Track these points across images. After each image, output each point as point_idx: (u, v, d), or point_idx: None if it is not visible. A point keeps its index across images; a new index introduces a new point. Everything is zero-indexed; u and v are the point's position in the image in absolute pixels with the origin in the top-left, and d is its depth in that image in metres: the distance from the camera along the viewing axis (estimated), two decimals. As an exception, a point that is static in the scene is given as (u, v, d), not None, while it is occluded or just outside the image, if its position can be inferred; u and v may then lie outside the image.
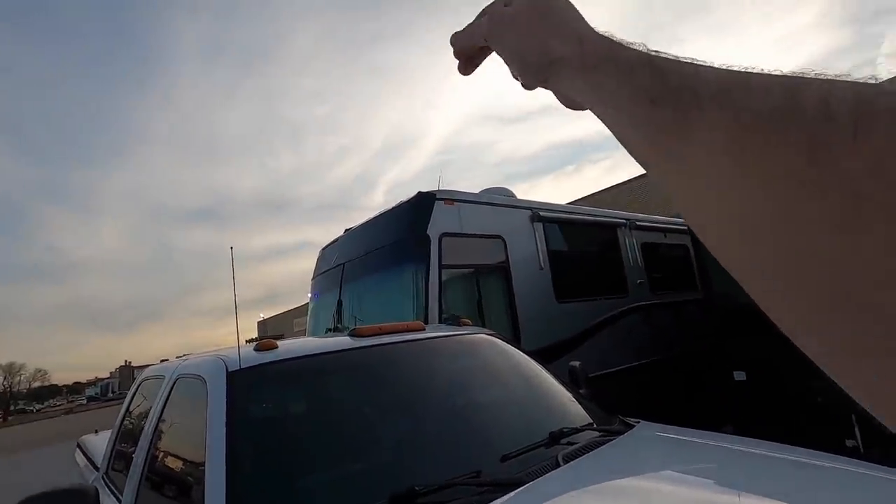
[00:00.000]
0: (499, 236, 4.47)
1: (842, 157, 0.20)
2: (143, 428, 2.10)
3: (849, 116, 0.21)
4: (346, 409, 1.61)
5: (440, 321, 3.45)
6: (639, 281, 5.58)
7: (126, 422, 2.50)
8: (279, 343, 1.79)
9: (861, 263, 0.20)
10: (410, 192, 4.42)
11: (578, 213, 5.54)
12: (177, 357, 2.50)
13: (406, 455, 1.50)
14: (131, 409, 2.54)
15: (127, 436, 2.44)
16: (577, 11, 0.39)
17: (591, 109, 0.35)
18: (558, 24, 0.38)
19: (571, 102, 0.39)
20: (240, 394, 1.50)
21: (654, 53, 0.32)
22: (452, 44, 0.47)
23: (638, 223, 6.09)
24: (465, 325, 2.41)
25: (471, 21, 0.45)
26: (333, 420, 1.57)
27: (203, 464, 1.37)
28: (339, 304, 4.71)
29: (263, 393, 1.60)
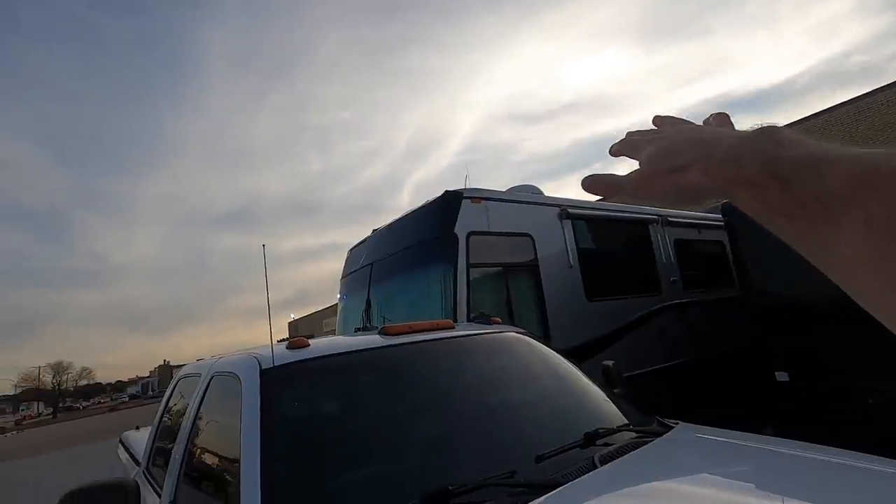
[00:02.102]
0: (527, 234, 4.42)
1: None
2: (180, 424, 2.15)
3: None
4: (377, 407, 1.61)
5: (469, 320, 3.43)
6: (672, 278, 5.43)
7: (165, 419, 2.57)
8: (311, 342, 1.81)
9: None
10: (436, 193, 4.42)
11: (608, 210, 5.42)
12: (212, 356, 2.55)
13: (439, 454, 1.49)
14: (169, 406, 2.61)
15: (166, 432, 2.51)
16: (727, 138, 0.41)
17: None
18: (712, 148, 0.40)
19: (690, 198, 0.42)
20: (273, 391, 1.52)
21: (775, 153, 0.35)
22: (589, 189, 0.47)
23: (670, 219, 5.92)
24: (496, 323, 2.39)
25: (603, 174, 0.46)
26: (365, 418, 1.57)
27: (238, 460, 1.39)
28: (368, 303, 4.74)
29: (295, 390, 1.61)
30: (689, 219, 6.30)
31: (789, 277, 3.69)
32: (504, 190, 4.88)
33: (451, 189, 4.35)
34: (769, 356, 3.92)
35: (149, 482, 2.30)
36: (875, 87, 12.65)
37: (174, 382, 2.67)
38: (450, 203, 4.22)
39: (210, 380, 1.99)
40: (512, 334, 2.21)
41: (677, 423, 1.82)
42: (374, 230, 5.41)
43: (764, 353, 4.00)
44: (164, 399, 2.69)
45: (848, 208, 0.30)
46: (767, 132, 0.37)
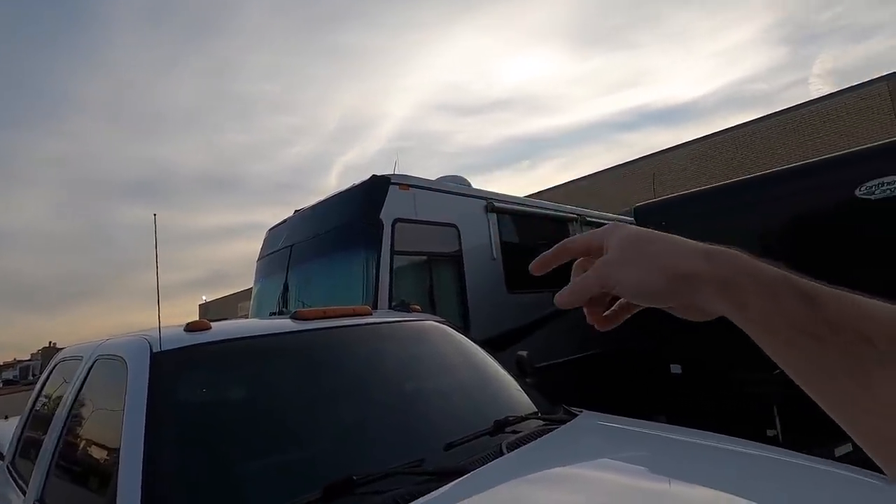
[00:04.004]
0: (453, 224, 4.43)
1: None
2: (55, 413, 1.91)
3: None
4: (283, 395, 1.52)
5: (390, 308, 3.38)
6: (587, 275, 5.72)
7: (37, 407, 2.28)
8: (213, 324, 1.67)
9: None
10: (366, 177, 4.30)
11: (532, 206, 5.60)
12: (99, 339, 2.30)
13: (346, 444, 1.43)
14: (44, 392, 2.32)
15: (38, 422, 2.22)
16: (679, 237, 0.40)
17: (736, 323, 0.35)
18: (674, 245, 0.39)
19: (698, 312, 0.39)
20: (164, 377, 1.38)
21: (788, 272, 0.33)
22: (563, 306, 0.46)
23: (588, 218, 6.23)
24: (415, 311, 2.36)
25: (573, 281, 0.45)
26: (269, 407, 1.47)
27: (119, 452, 1.25)
28: (286, 287, 4.53)
29: (191, 376, 1.47)
30: (605, 220, 6.67)
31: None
32: (433, 179, 4.86)
33: (378, 174, 4.26)
34: (666, 350, 4.26)
35: (13, 479, 2.03)
36: (767, 113, 14.16)
37: (50, 367, 2.37)
38: (376, 188, 4.12)
39: (93, 364, 1.79)
40: (430, 323, 2.19)
41: (581, 412, 1.91)
42: (295, 211, 5.17)
43: (662, 347, 4.34)
44: (38, 385, 2.38)
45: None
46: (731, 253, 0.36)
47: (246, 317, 7.73)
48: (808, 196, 3.92)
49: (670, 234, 0.40)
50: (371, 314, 2.04)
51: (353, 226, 4.09)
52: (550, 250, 0.47)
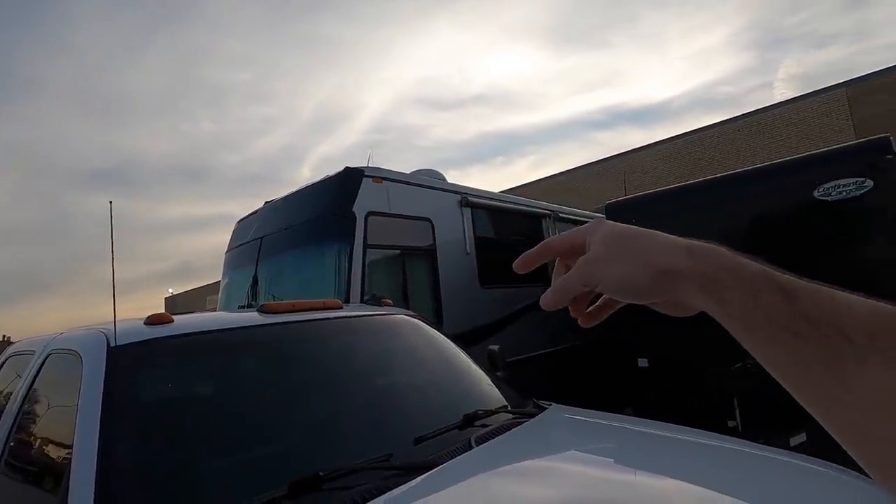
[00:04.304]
0: (427, 219, 4.41)
1: None
2: (5, 408, 1.82)
3: None
4: (249, 390, 1.48)
5: (362, 301, 3.35)
6: (559, 270, 5.79)
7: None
8: (175, 318, 1.61)
9: None
10: (340, 169, 4.23)
11: (506, 202, 5.62)
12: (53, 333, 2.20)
13: (314, 439, 1.41)
14: (-6, 388, 2.21)
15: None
16: (661, 233, 0.40)
17: (717, 318, 0.35)
18: (656, 241, 0.39)
19: (680, 308, 0.39)
20: (121, 372, 1.32)
21: (768, 267, 0.34)
22: (548, 307, 0.45)
23: (561, 215, 6.31)
24: (387, 305, 2.34)
25: (554, 282, 0.44)
26: (234, 402, 1.43)
27: (72, 449, 1.20)
28: (255, 280, 4.43)
29: (152, 372, 1.42)
30: (579, 216, 6.76)
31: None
32: (408, 172, 4.82)
33: (352, 166, 4.20)
34: (634, 344, 4.36)
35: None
36: (733, 116, 14.62)
37: (1, 360, 2.26)
38: (349, 180, 4.06)
39: (46, 358, 1.70)
40: (401, 317, 2.18)
41: (550, 405, 1.93)
42: (266, 202, 5.05)
43: (630, 342, 4.44)
44: (-13, 381, 2.26)
45: (877, 347, 0.27)
46: (714, 248, 0.37)
47: (214, 310, 7.54)
48: (771, 196, 4.05)
49: (652, 230, 0.40)
50: (342, 308, 2.00)
51: (326, 218, 4.02)
52: (533, 249, 0.47)
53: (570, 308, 0.47)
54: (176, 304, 40.31)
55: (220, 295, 5.13)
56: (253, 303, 4.34)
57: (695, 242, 0.37)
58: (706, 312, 0.37)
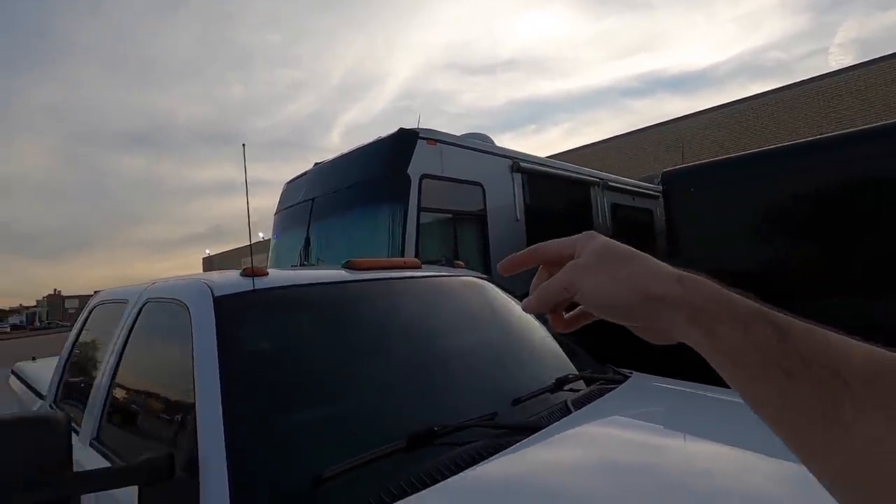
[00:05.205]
0: (478, 183, 4.34)
1: None
2: (101, 356, 1.89)
3: None
4: (349, 344, 1.48)
5: (429, 262, 3.36)
6: (606, 239, 5.67)
7: (78, 350, 2.26)
8: (269, 271, 1.62)
9: None
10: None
11: (556, 168, 5.47)
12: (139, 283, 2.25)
13: (417, 395, 1.41)
14: (83, 335, 2.30)
15: (80, 364, 2.21)
16: (654, 259, 0.39)
17: (702, 352, 0.34)
18: (646, 265, 0.38)
19: (660, 336, 0.39)
20: (229, 323, 1.33)
21: (760, 305, 0.32)
22: (529, 311, 0.45)
23: (610, 183, 6.13)
24: (460, 267, 2.31)
25: (534, 286, 0.45)
26: (339, 355, 1.44)
27: (188, 396, 1.22)
28: (307, 241, 4.47)
29: (256, 323, 1.43)
30: (627, 185, 6.55)
31: (716, 254, 4.01)
32: (458, 135, 4.72)
33: (405, 127, 4.12)
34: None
35: (58, 418, 2.03)
36: (783, 84, 13.77)
37: (89, 309, 2.34)
38: (404, 142, 4.00)
39: (142, 307, 1.74)
40: (477, 280, 2.15)
41: (631, 373, 1.89)
42: (315, 164, 5.05)
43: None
44: (77, 328, 2.36)
45: (874, 395, 0.26)
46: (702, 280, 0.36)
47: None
48: (847, 166, 3.81)
49: (646, 255, 0.39)
50: (421, 267, 1.98)
51: (380, 180, 3.99)
52: (521, 252, 0.47)
53: (549, 313, 0.47)
54: (213, 263, 41.63)
55: (270, 254, 5.20)
56: (305, 263, 4.39)
57: (685, 273, 0.37)
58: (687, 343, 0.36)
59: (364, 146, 4.43)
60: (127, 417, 1.59)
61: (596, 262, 0.40)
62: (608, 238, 0.42)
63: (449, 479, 1.04)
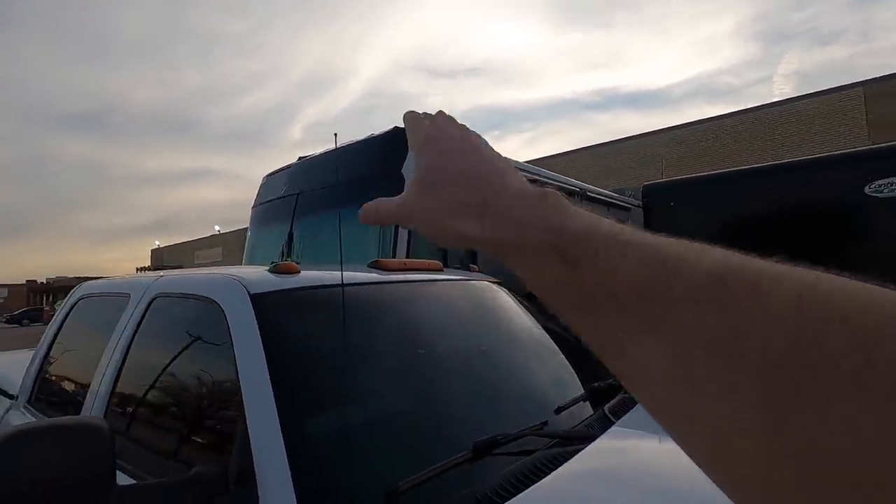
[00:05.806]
0: (470, 185, 4.32)
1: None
2: (94, 356, 1.73)
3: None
4: (395, 350, 1.42)
5: (450, 266, 3.33)
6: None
7: (59, 346, 2.07)
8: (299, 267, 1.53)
9: None
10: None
11: (538, 175, 5.53)
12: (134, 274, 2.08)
13: (472, 402, 1.36)
14: (65, 331, 2.10)
15: (63, 364, 2.02)
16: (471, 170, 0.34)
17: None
18: (453, 192, 0.33)
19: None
20: (271, 324, 1.24)
21: (559, 238, 0.28)
22: (363, 220, 0.41)
23: (589, 193, 6.26)
24: (475, 272, 2.28)
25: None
26: (386, 362, 1.37)
27: (229, 409, 1.13)
28: (290, 237, 4.31)
29: (299, 325, 1.34)
30: (604, 196, 6.72)
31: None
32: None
33: (401, 126, 4.05)
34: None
35: (36, 419, 1.84)
36: (731, 111, 14.66)
37: (72, 302, 2.14)
38: (399, 140, 3.92)
39: (150, 303, 1.61)
40: (493, 285, 2.12)
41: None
42: (299, 157, 4.88)
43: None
44: (57, 322, 2.15)
45: (663, 313, 0.22)
46: (550, 195, 0.30)
47: (204, 265, 7.36)
48: (817, 189, 4.05)
49: (467, 166, 0.34)
50: (442, 270, 1.94)
51: (372, 178, 3.89)
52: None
53: None
54: (163, 256, 39.64)
55: (246, 248, 4.99)
56: (287, 259, 4.22)
57: (493, 197, 0.31)
58: None
59: (356, 142, 4.32)
60: (141, 424, 1.45)
61: (416, 192, 0.36)
62: (446, 126, 0.37)
63: (526, 491, 1.00)
